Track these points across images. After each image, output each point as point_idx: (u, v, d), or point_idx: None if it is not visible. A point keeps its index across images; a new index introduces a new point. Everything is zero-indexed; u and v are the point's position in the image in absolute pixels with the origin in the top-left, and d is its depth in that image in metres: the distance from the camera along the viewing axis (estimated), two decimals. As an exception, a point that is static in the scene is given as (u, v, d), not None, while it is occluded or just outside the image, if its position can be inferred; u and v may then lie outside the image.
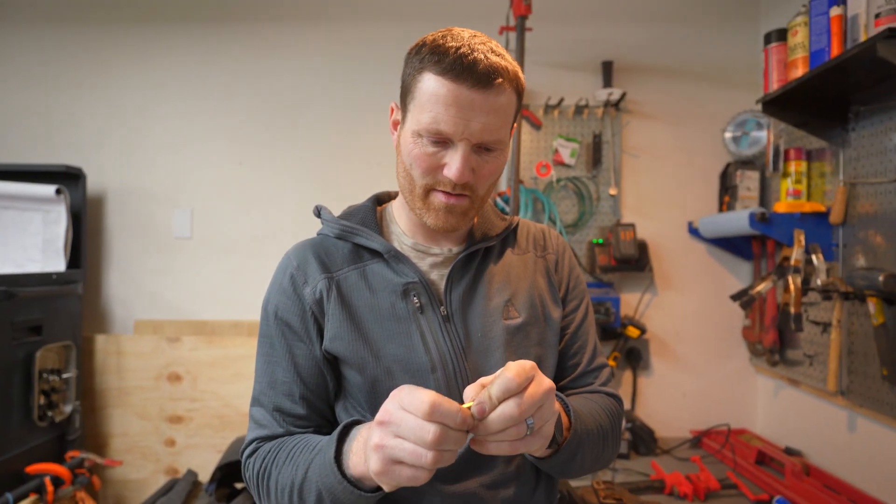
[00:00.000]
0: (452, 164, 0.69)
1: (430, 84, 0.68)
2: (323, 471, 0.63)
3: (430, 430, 0.52)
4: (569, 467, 0.73)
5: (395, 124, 0.78)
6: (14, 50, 2.20)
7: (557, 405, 0.66)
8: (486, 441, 0.57)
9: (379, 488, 0.61)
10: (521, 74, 0.73)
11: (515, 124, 0.78)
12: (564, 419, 0.70)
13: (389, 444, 0.54)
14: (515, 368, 0.57)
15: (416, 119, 0.70)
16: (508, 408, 0.55)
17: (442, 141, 0.69)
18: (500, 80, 0.67)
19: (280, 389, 0.76)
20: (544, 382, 0.59)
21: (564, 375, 0.84)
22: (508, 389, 0.55)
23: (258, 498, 0.74)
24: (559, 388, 0.83)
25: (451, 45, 0.67)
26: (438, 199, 0.72)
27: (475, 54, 0.66)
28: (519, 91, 0.73)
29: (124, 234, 2.20)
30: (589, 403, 0.78)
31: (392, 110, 0.79)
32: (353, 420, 0.67)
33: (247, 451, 0.76)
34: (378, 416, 0.56)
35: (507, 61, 0.69)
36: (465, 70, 0.65)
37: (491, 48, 0.68)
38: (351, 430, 0.65)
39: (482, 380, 0.60)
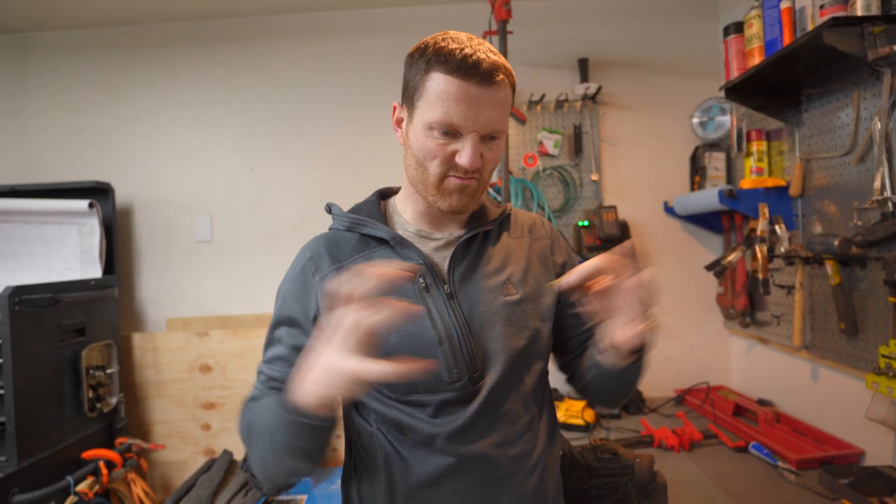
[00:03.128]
0: (465, 153, 0.71)
1: (440, 83, 0.70)
2: (278, 421, 0.65)
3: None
4: (634, 378, 0.79)
5: (399, 122, 0.79)
6: (46, 79, 2.25)
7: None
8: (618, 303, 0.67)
9: (329, 418, 0.64)
10: (512, 71, 0.75)
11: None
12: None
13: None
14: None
15: (426, 114, 0.71)
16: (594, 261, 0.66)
17: (452, 132, 0.71)
18: (501, 76, 0.71)
19: (277, 365, 0.77)
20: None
21: (585, 339, 0.87)
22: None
23: (246, 446, 0.75)
24: (577, 356, 0.88)
25: (453, 46, 0.69)
26: (453, 182, 0.74)
27: (478, 54, 0.69)
28: (513, 85, 0.75)
29: (152, 240, 2.25)
30: None
31: (395, 109, 0.80)
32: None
33: (240, 409, 0.78)
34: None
35: (503, 59, 0.73)
36: (471, 69, 0.68)
37: (488, 48, 0.72)
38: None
39: (585, 270, 0.69)
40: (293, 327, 0.79)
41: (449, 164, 0.73)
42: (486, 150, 0.74)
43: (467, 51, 0.69)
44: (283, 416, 0.64)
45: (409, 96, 0.75)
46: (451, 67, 0.69)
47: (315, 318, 0.78)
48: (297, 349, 0.77)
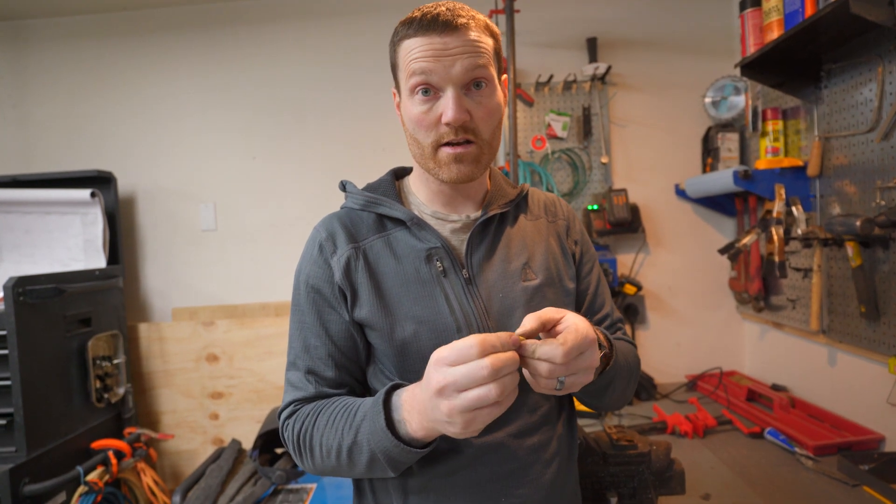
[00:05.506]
0: (447, 108, 0.68)
1: (406, 47, 0.70)
2: (375, 436, 0.63)
3: (484, 366, 0.53)
4: (604, 393, 0.75)
5: (399, 106, 0.78)
6: (44, 67, 2.21)
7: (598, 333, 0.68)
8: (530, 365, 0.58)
9: (429, 443, 0.63)
10: (490, 22, 0.73)
11: (505, 76, 0.77)
12: (603, 340, 0.70)
13: (458, 404, 0.55)
14: (570, 344, 0.57)
15: (405, 82, 0.71)
16: (542, 366, 0.58)
17: (432, 91, 0.69)
18: (464, 20, 0.68)
19: (314, 353, 0.75)
20: (593, 357, 0.61)
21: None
22: (551, 358, 0.57)
23: (299, 457, 0.73)
24: None
25: (416, 14, 0.70)
26: (446, 152, 0.71)
27: (438, 9, 0.69)
28: (493, 34, 0.73)
29: (156, 230, 2.23)
30: (619, 344, 0.81)
31: (395, 95, 0.79)
32: (392, 386, 0.66)
33: (285, 413, 0.75)
34: (434, 386, 0.56)
35: (471, 11, 0.70)
36: (430, 23, 0.67)
37: (455, 4, 0.70)
38: (392, 396, 0.65)
39: (544, 316, 0.61)
40: (322, 310, 0.76)
41: (438, 130, 0.71)
42: (475, 105, 0.70)
43: (426, 9, 0.69)
44: (385, 445, 0.63)
45: (395, 76, 0.76)
46: (412, 30, 0.69)
47: (339, 291, 0.75)
48: (330, 333, 0.75)
